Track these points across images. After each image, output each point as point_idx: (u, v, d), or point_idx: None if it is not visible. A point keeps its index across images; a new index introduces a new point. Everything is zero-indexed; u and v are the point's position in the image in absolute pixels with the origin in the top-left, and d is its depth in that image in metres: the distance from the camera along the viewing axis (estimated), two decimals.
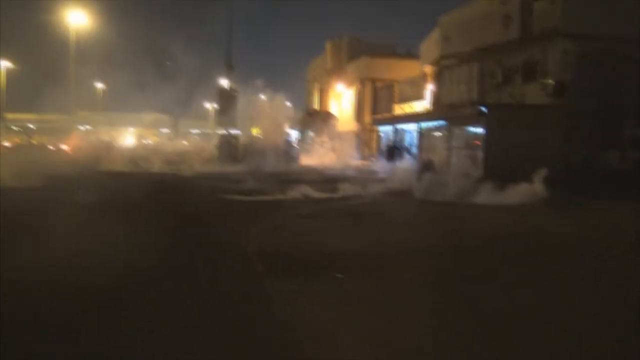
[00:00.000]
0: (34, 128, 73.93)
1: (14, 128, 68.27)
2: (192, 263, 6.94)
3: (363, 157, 38.66)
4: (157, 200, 14.24)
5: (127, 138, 50.22)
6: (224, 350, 4.16)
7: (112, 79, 68.24)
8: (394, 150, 27.60)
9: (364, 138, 41.47)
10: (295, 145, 38.67)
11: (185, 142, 41.39)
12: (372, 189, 16.47)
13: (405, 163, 26.97)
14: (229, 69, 28.57)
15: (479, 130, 25.09)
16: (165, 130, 61.09)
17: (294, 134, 52.82)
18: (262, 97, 37.99)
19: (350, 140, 42.42)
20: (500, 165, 21.69)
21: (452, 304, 5.47)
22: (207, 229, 9.53)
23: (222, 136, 29.92)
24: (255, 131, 56.30)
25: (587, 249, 8.46)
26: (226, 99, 28.62)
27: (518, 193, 14.84)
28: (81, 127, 60.78)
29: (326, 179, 18.39)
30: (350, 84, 45.08)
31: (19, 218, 10.17)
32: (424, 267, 6.97)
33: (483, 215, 12.11)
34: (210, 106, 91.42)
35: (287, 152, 32.30)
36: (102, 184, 16.63)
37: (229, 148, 27.71)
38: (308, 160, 36.65)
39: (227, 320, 4.90)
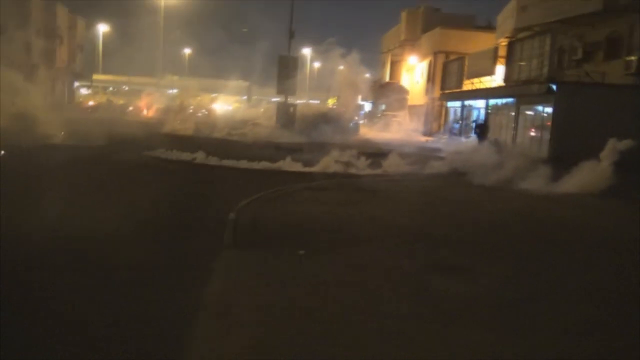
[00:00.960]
0: (125, 89, 77.75)
1: (110, 89, 72.32)
2: (175, 234, 6.90)
3: (430, 133, 37.40)
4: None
5: (214, 103, 51.79)
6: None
7: (198, 45, 70.58)
8: (483, 128, 26.23)
9: (432, 113, 40.03)
10: (355, 117, 38.05)
11: (261, 110, 42.07)
12: (420, 167, 15.71)
13: (473, 143, 25.68)
14: (290, 36, 28.27)
15: (549, 109, 23.42)
16: (250, 96, 62.40)
17: (366, 106, 52.20)
18: (341, 67, 37.68)
19: (419, 114, 41.15)
20: (567, 148, 20.10)
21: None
22: (204, 200, 9.43)
23: (280, 104, 29.97)
24: (331, 101, 56.16)
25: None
26: (286, 67, 28.47)
27: (580, 180, 13.21)
28: (169, 91, 63.49)
29: (377, 153, 17.77)
30: (423, 56, 43.47)
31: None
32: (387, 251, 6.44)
33: (527, 203, 10.88)
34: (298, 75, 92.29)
35: (346, 122, 31.85)
36: (151, 144, 17.12)
37: (287, 117, 27.67)
38: (372, 132, 36.04)
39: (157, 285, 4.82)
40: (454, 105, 36.74)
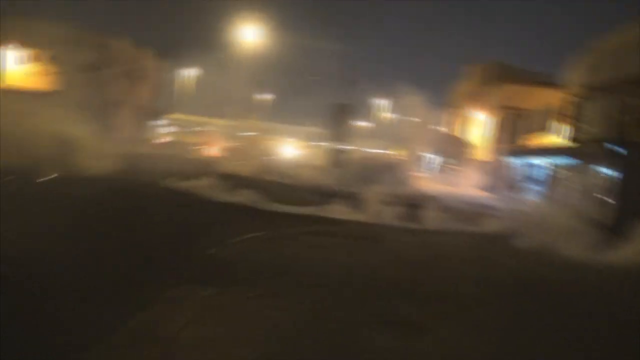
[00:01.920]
0: (198, 129, 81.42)
1: (188, 128, 76.24)
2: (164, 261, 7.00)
3: (491, 189, 36.22)
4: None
5: (284, 147, 53.38)
6: None
7: (278, 90, 73.49)
8: (543, 187, 25.33)
9: (495, 168, 38.89)
10: (412, 167, 37.73)
11: (317, 154, 42.87)
12: (465, 223, 15.16)
13: (533, 201, 24.56)
14: (348, 84, 28.97)
15: (616, 172, 22.08)
16: (318, 143, 63.87)
17: (428, 156, 51.68)
18: (406, 117, 37.79)
19: (481, 169, 40.10)
20: (634, 214, 18.75)
21: None
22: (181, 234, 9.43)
23: (331, 149, 30.38)
24: (394, 151, 56.20)
25: None
26: (341, 114, 28.97)
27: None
28: (245, 133, 66.16)
29: (419, 204, 17.40)
30: (487, 110, 42.74)
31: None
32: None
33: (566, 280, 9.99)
34: (360, 124, 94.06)
35: (401, 172, 31.59)
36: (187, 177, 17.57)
37: (337, 162, 27.96)
38: (430, 184, 35.44)
39: None
40: (518, 161, 35.55)
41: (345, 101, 29.58)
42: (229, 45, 55.88)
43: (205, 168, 23.35)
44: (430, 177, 41.50)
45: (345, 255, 8.85)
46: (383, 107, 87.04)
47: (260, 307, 5.57)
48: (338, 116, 28.60)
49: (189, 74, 68.47)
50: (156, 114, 61.43)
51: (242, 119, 68.37)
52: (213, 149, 48.18)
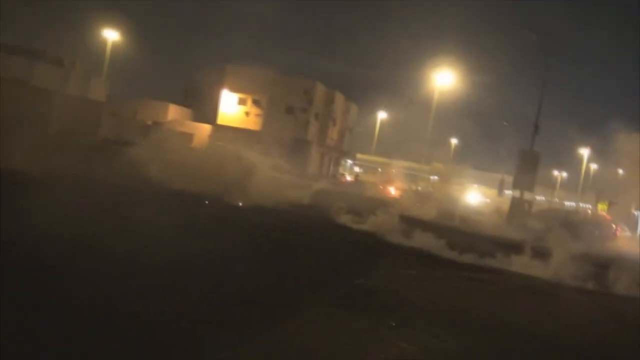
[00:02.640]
0: (384, 170, 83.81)
1: (379, 169, 79.46)
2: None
3: None
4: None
5: (468, 193, 52.55)
6: None
7: (466, 135, 72.81)
8: None
9: None
10: (614, 225, 33.50)
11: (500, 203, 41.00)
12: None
13: None
14: (534, 130, 27.29)
15: None
16: (508, 192, 61.48)
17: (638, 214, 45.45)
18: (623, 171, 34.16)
19: None
20: None
21: None
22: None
23: (514, 198, 28.66)
24: (601, 207, 50.84)
25: None
26: (526, 162, 27.36)
27: None
28: (429, 176, 66.50)
29: (605, 265, 15.68)
30: None
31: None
32: None
33: None
34: (558, 174, 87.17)
35: (595, 228, 28.39)
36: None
37: (520, 212, 26.33)
38: (634, 245, 31.12)
39: None
40: None
41: (535, 148, 27.98)
42: (418, 89, 57.20)
43: (384, 208, 23.83)
44: (637, 237, 36.55)
45: (496, 304, 8.54)
46: (585, 156, 79.66)
47: (391, 335, 5.86)
48: (526, 164, 27.14)
49: (378, 116, 71.66)
50: (344, 154, 65.26)
51: (427, 162, 68.67)
52: (394, 190, 49.15)
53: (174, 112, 50.17)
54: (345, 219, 17.51)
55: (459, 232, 19.98)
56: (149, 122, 44.31)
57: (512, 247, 16.00)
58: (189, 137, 41.97)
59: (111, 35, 48.41)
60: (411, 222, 17.60)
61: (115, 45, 48.77)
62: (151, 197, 13.99)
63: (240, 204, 17.66)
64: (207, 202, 16.40)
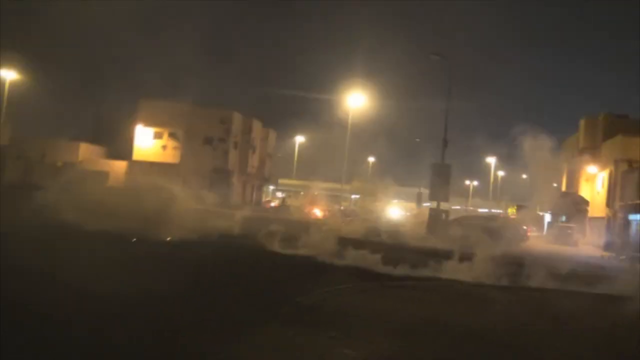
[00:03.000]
0: (306, 193, 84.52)
1: (301, 192, 79.85)
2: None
3: (610, 248, 33.52)
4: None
5: (388, 208, 53.95)
6: None
7: (382, 153, 75.10)
8: None
9: (613, 226, 36.14)
10: (523, 227, 35.96)
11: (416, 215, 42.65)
12: (566, 284, 14.41)
13: None
14: (444, 144, 29.09)
15: None
16: (426, 204, 63.96)
17: (543, 215, 49.14)
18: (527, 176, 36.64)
19: (599, 227, 37.43)
20: None
21: None
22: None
23: (432, 210, 30.17)
24: (511, 210, 54.10)
25: None
26: (439, 174, 29.04)
27: None
28: (349, 195, 67.72)
29: (520, 263, 16.84)
30: (603, 165, 40.36)
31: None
32: None
33: None
34: (469, 183, 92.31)
35: (507, 231, 30.33)
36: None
37: (437, 222, 27.74)
38: (543, 244, 33.62)
39: None
40: (638, 218, 32.85)
41: (446, 161, 29.69)
42: (333, 112, 58.74)
43: (313, 230, 24.04)
44: (544, 236, 39.37)
45: (431, 309, 9.11)
46: (493, 165, 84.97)
47: (333, 347, 6.17)
48: (439, 176, 28.73)
49: (296, 141, 72.67)
50: (265, 180, 65.46)
51: (347, 182, 70.23)
52: (319, 211, 49.81)
53: (85, 151, 48.09)
54: (277, 244, 17.59)
55: (387, 246, 20.63)
56: (60, 163, 42.22)
57: (439, 256, 16.82)
58: (104, 175, 40.31)
59: (8, 75, 45.56)
60: (341, 242, 17.97)
61: (15, 85, 46.05)
62: (68, 241, 13.40)
63: (169, 238, 17.24)
64: (134, 239, 15.87)
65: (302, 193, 79.44)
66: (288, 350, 5.99)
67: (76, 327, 6.18)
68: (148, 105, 48.90)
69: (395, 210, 52.86)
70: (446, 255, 16.93)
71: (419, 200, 64.04)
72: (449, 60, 32.71)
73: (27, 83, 46.90)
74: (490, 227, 29.58)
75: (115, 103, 52.15)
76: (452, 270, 15.17)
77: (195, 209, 23.44)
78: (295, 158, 74.28)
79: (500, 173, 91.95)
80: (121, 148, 48.78)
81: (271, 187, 74.99)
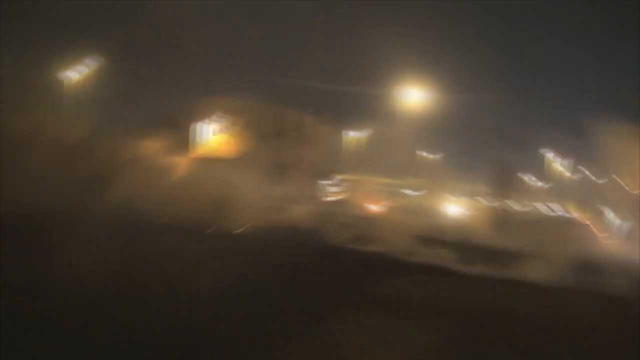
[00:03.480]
0: (366, 187, 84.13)
1: (361, 187, 79.79)
2: None
3: None
4: None
5: (449, 205, 53.35)
6: None
7: (443, 148, 73.63)
8: None
9: None
10: (586, 229, 34.44)
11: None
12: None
13: None
14: (506, 139, 28.23)
15: None
16: (484, 201, 62.61)
17: (613, 217, 46.63)
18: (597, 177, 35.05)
19: None
20: None
21: None
22: None
23: (495, 208, 29.48)
24: (572, 209, 52.00)
25: None
26: (507, 170, 28.23)
27: None
28: (409, 191, 67.56)
29: (597, 267, 16.15)
30: None
31: None
32: None
33: None
34: (530, 180, 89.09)
35: (572, 232, 29.13)
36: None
37: (501, 221, 27.07)
38: (613, 247, 31.88)
39: None
40: None
41: (511, 157, 28.82)
42: (394, 106, 58.21)
43: (374, 225, 24.06)
44: (615, 240, 37.50)
45: (502, 302, 9.43)
46: (561, 163, 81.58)
47: (413, 331, 7.19)
48: (503, 173, 27.91)
49: (356, 135, 72.40)
50: (325, 174, 65.70)
51: (407, 177, 69.56)
52: (378, 207, 49.62)
53: (151, 146, 49.87)
54: (345, 239, 17.69)
55: (454, 243, 20.40)
56: (127, 158, 43.89)
57: (508, 254, 16.50)
58: (169, 170, 41.71)
59: (74, 74, 47.24)
60: (409, 238, 17.90)
61: (83, 83, 48.03)
62: (151, 235, 14.01)
63: (240, 230, 17.82)
64: (209, 231, 16.69)
65: (357, 188, 79.30)
66: (374, 333, 6.77)
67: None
68: (209, 101, 50.19)
69: (455, 207, 51.91)
70: (516, 254, 16.53)
71: (480, 197, 62.71)
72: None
73: (94, 81, 49.04)
74: (560, 228, 28.55)
75: (177, 100, 53.82)
76: (523, 270, 14.80)
77: (259, 202, 23.97)
78: (345, 152, 74.03)
79: (564, 169, 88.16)
80: (184, 143, 50.33)
81: (326, 182, 75.26)
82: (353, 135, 70.75)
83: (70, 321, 6.32)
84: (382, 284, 9.82)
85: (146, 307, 6.93)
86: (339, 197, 56.69)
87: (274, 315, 7.14)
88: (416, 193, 62.05)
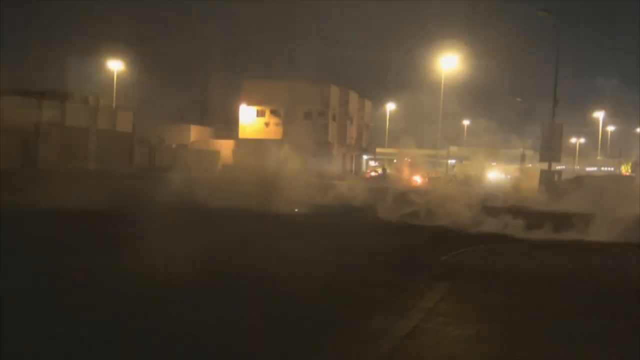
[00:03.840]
0: (405, 160, 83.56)
1: (394, 160, 79.61)
2: None
3: None
4: None
5: (494, 173, 52.70)
6: None
7: (477, 115, 72.21)
8: None
9: None
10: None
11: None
12: None
13: None
14: (554, 104, 27.63)
15: None
16: (531, 165, 61.55)
17: None
18: None
19: None
20: None
21: None
22: None
23: (544, 171, 29.03)
24: (625, 168, 50.49)
25: None
26: (550, 134, 27.75)
27: None
28: (450, 161, 67.09)
29: None
30: None
31: None
32: None
33: None
34: (576, 140, 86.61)
35: (626, 189, 28.33)
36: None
37: (550, 184, 26.71)
38: None
39: None
40: None
41: (557, 120, 28.31)
42: (425, 75, 57.50)
43: (425, 198, 23.71)
44: None
45: (567, 264, 9.91)
46: (601, 119, 79.21)
47: (487, 295, 7.45)
48: (551, 136, 27.48)
49: (387, 108, 71.92)
50: (363, 150, 65.85)
51: (443, 147, 68.76)
52: (419, 178, 49.52)
53: (196, 133, 51.26)
54: (399, 214, 17.95)
55: (509, 210, 20.29)
56: (174, 145, 45.33)
57: (564, 219, 16.40)
58: (215, 155, 42.89)
59: (116, 65, 48.72)
60: (465, 208, 18.02)
61: (124, 74, 49.30)
62: (211, 220, 14.73)
63: (296, 210, 18.35)
64: (296, 210, 17.66)
65: (395, 161, 78.77)
66: (452, 298, 7.08)
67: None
68: (249, 85, 50.97)
69: (496, 174, 51.11)
70: (571, 217, 16.40)
71: (522, 161, 61.58)
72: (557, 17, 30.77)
73: (138, 72, 50.38)
74: (612, 187, 27.86)
75: (218, 84, 54.79)
76: (583, 232, 14.72)
77: (307, 181, 24.37)
78: (387, 126, 73.70)
79: (611, 128, 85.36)
80: (227, 127, 51.40)
81: (365, 157, 75.07)
82: (388, 108, 70.34)
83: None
84: (450, 253, 10.17)
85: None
86: (381, 172, 56.83)
87: (353, 284, 8.02)
88: (454, 161, 61.44)
